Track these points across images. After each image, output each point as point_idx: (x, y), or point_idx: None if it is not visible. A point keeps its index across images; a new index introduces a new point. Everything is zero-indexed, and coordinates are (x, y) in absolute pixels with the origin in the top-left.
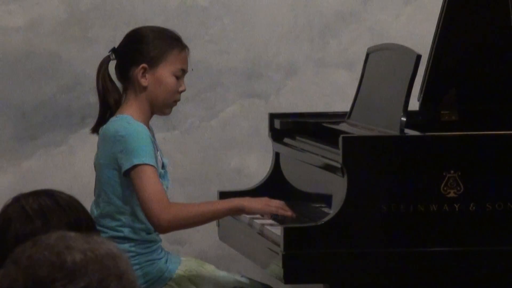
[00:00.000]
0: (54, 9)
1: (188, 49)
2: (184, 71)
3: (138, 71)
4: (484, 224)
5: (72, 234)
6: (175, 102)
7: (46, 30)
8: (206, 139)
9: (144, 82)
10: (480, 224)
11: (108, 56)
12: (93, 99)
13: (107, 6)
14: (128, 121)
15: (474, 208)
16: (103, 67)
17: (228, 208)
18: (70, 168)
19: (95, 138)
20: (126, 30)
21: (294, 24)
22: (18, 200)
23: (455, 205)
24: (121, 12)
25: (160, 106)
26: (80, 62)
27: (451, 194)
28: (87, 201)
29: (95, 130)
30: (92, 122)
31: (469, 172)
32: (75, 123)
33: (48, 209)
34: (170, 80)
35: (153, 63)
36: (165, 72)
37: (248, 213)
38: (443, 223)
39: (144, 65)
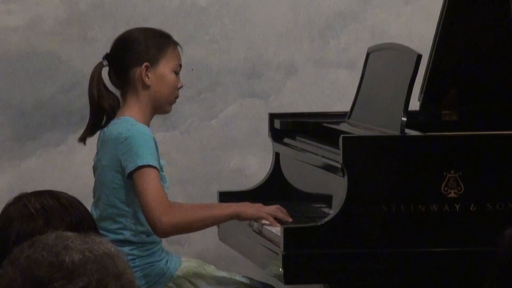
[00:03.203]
0: (54, 9)
1: (180, 46)
2: (181, 67)
3: (141, 70)
4: (485, 224)
5: (70, 234)
6: (175, 98)
7: (46, 30)
8: (206, 139)
9: (147, 81)
10: (481, 224)
11: (101, 63)
12: None
13: (106, 6)
14: (131, 122)
15: (474, 208)
16: (96, 74)
17: (227, 214)
18: (70, 168)
19: (94, 138)
20: (126, 29)
21: (294, 24)
22: (20, 199)
23: (455, 205)
24: (121, 12)
25: (163, 104)
26: (80, 62)
27: (452, 194)
28: (87, 201)
29: (83, 139)
30: None
31: (470, 172)
32: (75, 123)
33: (50, 209)
34: (171, 76)
35: (154, 61)
36: (166, 69)
37: (243, 219)
38: (443, 223)
39: (146, 63)
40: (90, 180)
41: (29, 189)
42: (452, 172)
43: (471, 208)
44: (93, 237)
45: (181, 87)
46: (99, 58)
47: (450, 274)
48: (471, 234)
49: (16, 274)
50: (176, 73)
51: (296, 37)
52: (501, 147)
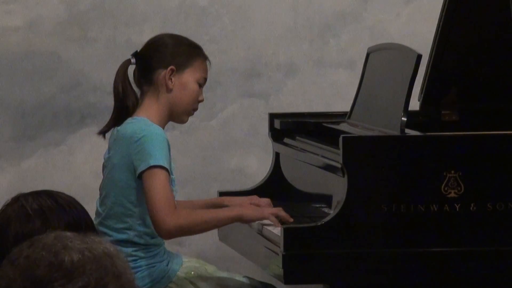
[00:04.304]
0: (54, 9)
1: (209, 61)
2: (205, 81)
3: (166, 72)
4: (485, 224)
5: (69, 234)
6: (194, 110)
7: (46, 30)
8: (206, 139)
9: (170, 84)
10: (481, 224)
11: (129, 60)
12: (93, 99)
13: (106, 6)
14: (145, 123)
15: (474, 208)
16: (122, 70)
17: (230, 217)
18: (70, 168)
19: (95, 138)
20: (126, 29)
21: (294, 23)
22: (18, 200)
23: (455, 205)
24: (121, 12)
25: (180, 112)
26: (80, 62)
27: (452, 194)
28: (87, 201)
29: (103, 132)
30: (91, 122)
31: (470, 172)
32: (75, 123)
33: (48, 209)
34: (194, 86)
35: (180, 67)
36: (191, 78)
37: (246, 221)
38: (443, 223)
39: (172, 67)
40: (89, 180)
41: (29, 189)
42: (452, 172)
43: (471, 208)
44: (92, 237)
45: (201, 100)
46: (99, 58)
47: (450, 274)
48: (471, 234)
49: (15, 274)
50: (200, 85)
51: (296, 37)
52: (501, 147)
